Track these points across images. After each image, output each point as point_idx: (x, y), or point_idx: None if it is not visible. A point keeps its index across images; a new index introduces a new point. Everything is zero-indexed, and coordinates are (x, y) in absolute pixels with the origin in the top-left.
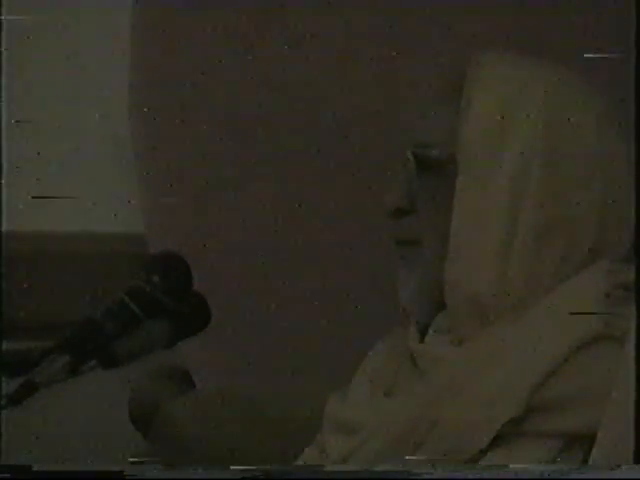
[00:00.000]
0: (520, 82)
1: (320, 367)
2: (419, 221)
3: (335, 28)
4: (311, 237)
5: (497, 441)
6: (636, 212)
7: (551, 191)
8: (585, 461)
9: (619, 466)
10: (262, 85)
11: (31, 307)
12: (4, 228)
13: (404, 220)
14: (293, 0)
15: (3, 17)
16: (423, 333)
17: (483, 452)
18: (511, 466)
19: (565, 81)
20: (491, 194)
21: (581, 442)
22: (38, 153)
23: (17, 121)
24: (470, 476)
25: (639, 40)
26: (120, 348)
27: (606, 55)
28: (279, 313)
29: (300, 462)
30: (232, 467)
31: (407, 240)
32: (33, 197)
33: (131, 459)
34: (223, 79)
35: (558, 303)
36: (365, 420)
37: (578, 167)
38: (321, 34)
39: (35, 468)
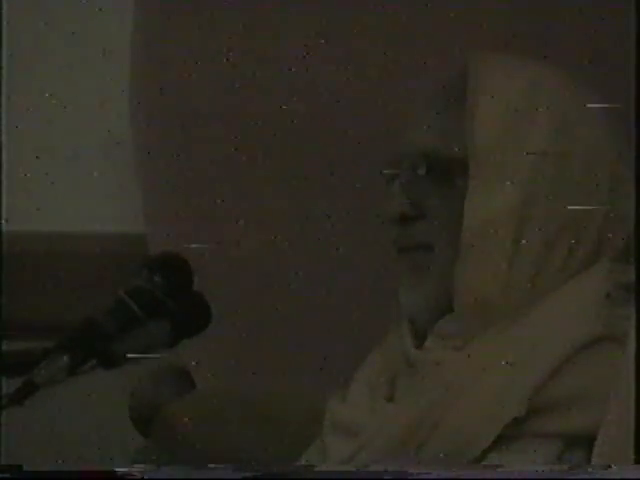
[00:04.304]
0: (525, 85)
1: (320, 367)
2: (428, 226)
3: (336, 29)
4: (311, 237)
5: (498, 442)
6: (636, 212)
7: (560, 194)
8: (586, 461)
9: (619, 466)
10: (263, 86)
11: (31, 307)
12: (4, 228)
13: (410, 226)
14: (293, 1)
15: (4, 17)
16: (420, 338)
17: (484, 453)
18: (512, 467)
19: (565, 82)
20: (503, 198)
21: (582, 442)
22: (38, 153)
23: (17, 120)
24: (470, 476)
25: (639, 40)
26: (120, 348)
27: (605, 55)
28: (279, 313)
29: (300, 462)
30: (232, 467)
31: (415, 246)
32: (33, 197)
33: (131, 459)
34: (224, 79)
35: (559, 304)
36: (366, 422)
37: (582, 169)
38: (321, 35)
39: (34, 468)
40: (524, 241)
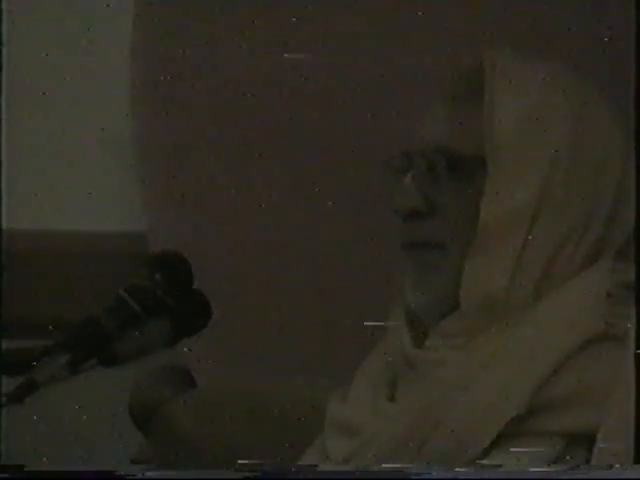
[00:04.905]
0: (542, 83)
1: (320, 366)
2: (439, 223)
3: (336, 26)
4: (311, 236)
5: (498, 441)
6: (636, 212)
7: (572, 193)
8: (586, 461)
9: (619, 466)
10: (264, 84)
11: (31, 306)
12: (4, 227)
13: (419, 222)
14: None
15: (3, 16)
16: (421, 337)
17: (485, 451)
18: (512, 466)
19: (580, 79)
20: (520, 196)
21: (582, 442)
22: (38, 152)
23: (17, 120)
24: (470, 476)
25: (639, 40)
26: (121, 347)
27: (605, 53)
28: (279, 312)
29: (300, 462)
30: (232, 467)
31: (423, 243)
32: (33, 196)
33: (131, 459)
34: (224, 78)
35: (559, 303)
36: (367, 422)
37: (595, 167)
38: (321, 33)
39: (34, 468)
40: (533, 240)
